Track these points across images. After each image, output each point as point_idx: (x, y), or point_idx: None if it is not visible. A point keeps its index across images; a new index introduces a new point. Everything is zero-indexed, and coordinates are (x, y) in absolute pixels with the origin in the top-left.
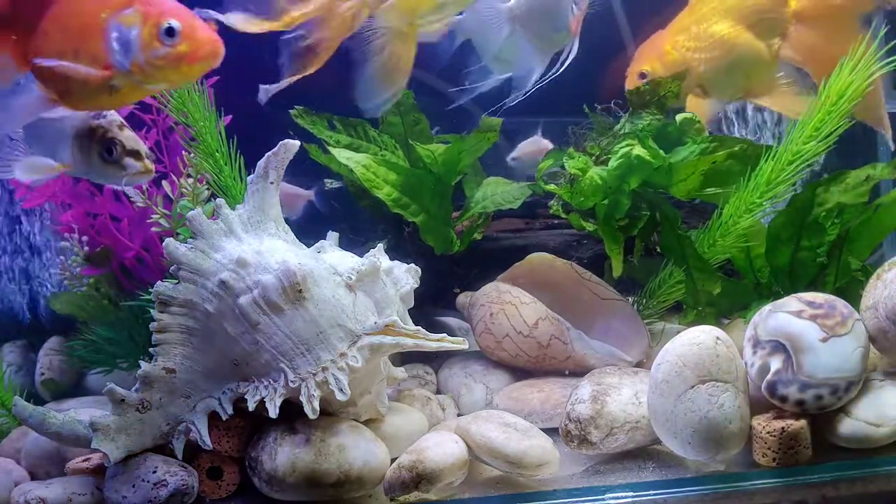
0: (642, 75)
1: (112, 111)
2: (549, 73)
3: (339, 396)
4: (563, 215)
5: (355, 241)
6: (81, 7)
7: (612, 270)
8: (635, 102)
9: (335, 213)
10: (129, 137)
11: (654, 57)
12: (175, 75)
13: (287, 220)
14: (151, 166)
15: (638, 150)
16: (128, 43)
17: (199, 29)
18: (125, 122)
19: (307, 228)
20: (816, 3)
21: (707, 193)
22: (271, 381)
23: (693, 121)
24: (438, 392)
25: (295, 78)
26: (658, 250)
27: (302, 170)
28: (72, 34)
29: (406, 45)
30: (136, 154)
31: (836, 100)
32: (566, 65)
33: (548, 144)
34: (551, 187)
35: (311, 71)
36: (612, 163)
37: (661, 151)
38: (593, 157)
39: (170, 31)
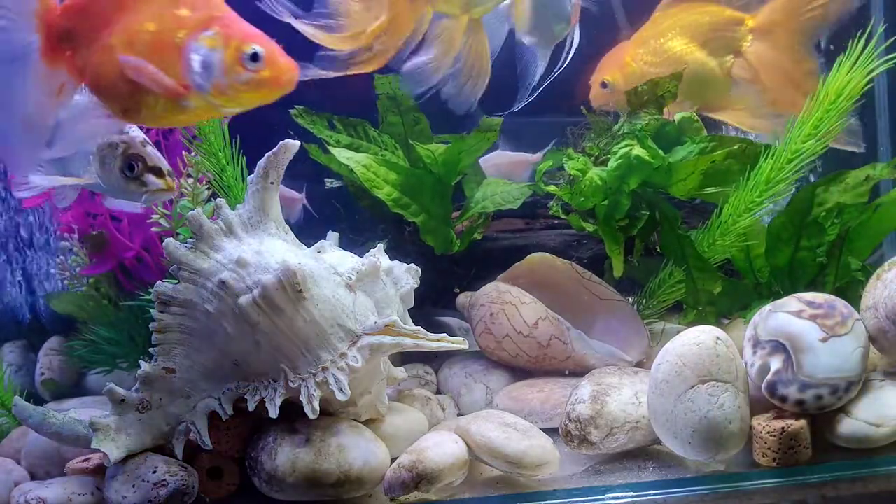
0: (604, 84)
1: (135, 127)
2: (556, 67)
3: (339, 396)
4: (563, 216)
5: (355, 241)
6: (152, 24)
7: (613, 270)
8: (634, 102)
9: (335, 213)
10: (152, 154)
11: (615, 67)
12: (253, 99)
13: (286, 222)
14: (173, 184)
15: (637, 151)
16: (210, 65)
17: (279, 55)
18: (148, 139)
19: (307, 228)
20: (772, 23)
21: (706, 193)
22: (271, 381)
23: (692, 120)
24: (438, 392)
25: (341, 74)
26: (658, 250)
27: (290, 173)
28: (141, 50)
29: (476, 35)
30: (157, 171)
31: (835, 98)
32: (570, 56)
33: (515, 156)
34: (551, 188)
35: (368, 70)
36: (612, 163)
37: (661, 151)
38: (592, 158)
39: (254, 57)
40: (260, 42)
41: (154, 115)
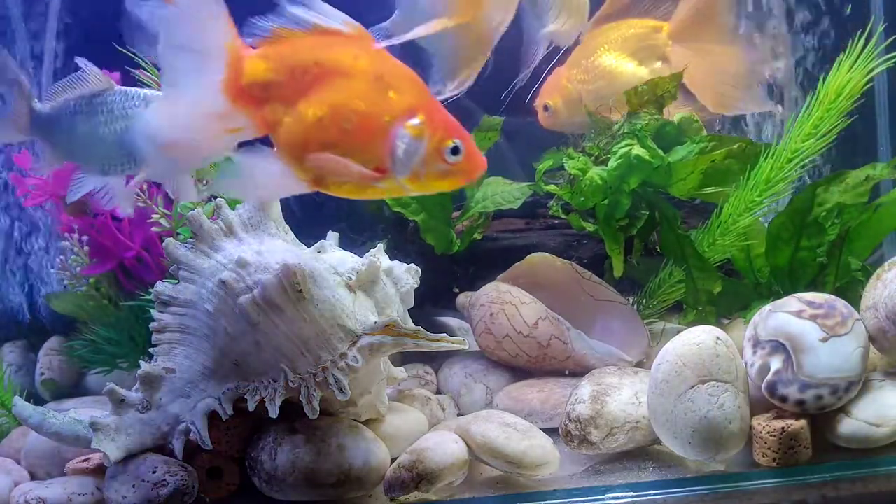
0: (545, 108)
1: None
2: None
3: (339, 396)
4: (563, 216)
5: (355, 241)
6: (361, 102)
7: (613, 270)
8: (633, 102)
9: (335, 213)
10: None
11: (554, 91)
12: (441, 187)
13: (287, 221)
14: None
15: (637, 150)
16: (413, 153)
17: (474, 147)
18: None
19: (307, 228)
20: (683, 24)
21: (705, 193)
22: (271, 381)
23: (691, 120)
24: (438, 392)
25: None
26: (658, 250)
27: None
28: (345, 125)
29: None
30: None
31: (835, 97)
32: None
33: None
34: (551, 188)
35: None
36: (612, 163)
37: (660, 151)
38: (592, 158)
39: (455, 150)
40: (460, 135)
41: (341, 189)
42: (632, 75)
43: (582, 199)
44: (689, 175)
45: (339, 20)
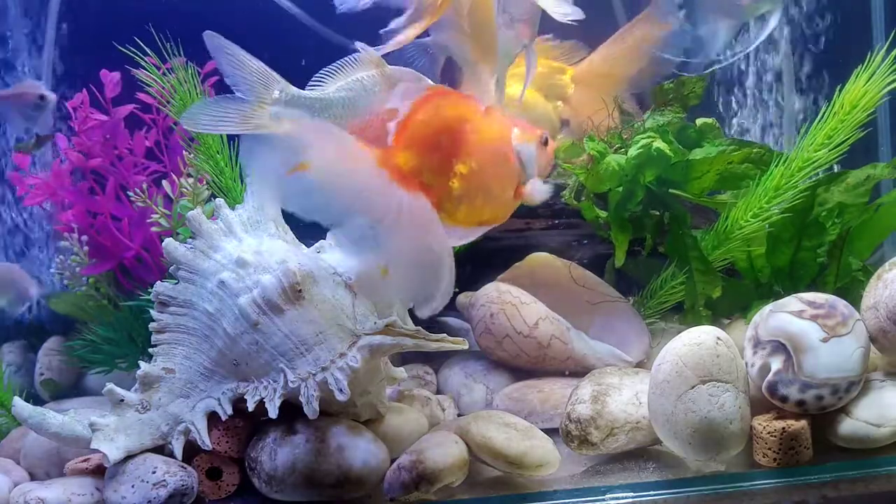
0: None
1: None
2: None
3: (339, 397)
4: (575, 203)
5: None
6: (490, 141)
7: (615, 260)
8: (659, 99)
9: None
10: None
11: None
12: (544, 172)
13: (287, 220)
14: None
15: (659, 143)
16: (531, 157)
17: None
18: None
19: (307, 228)
20: (587, 74)
21: (715, 200)
22: (271, 382)
23: (713, 126)
24: (438, 392)
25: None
26: (660, 250)
27: None
28: (491, 165)
29: None
30: None
31: (850, 109)
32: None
33: None
34: (568, 166)
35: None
36: (632, 151)
37: (681, 148)
38: (612, 148)
39: (545, 142)
40: (540, 128)
41: (505, 218)
42: (534, 107)
43: (597, 181)
44: (704, 174)
45: (419, 90)
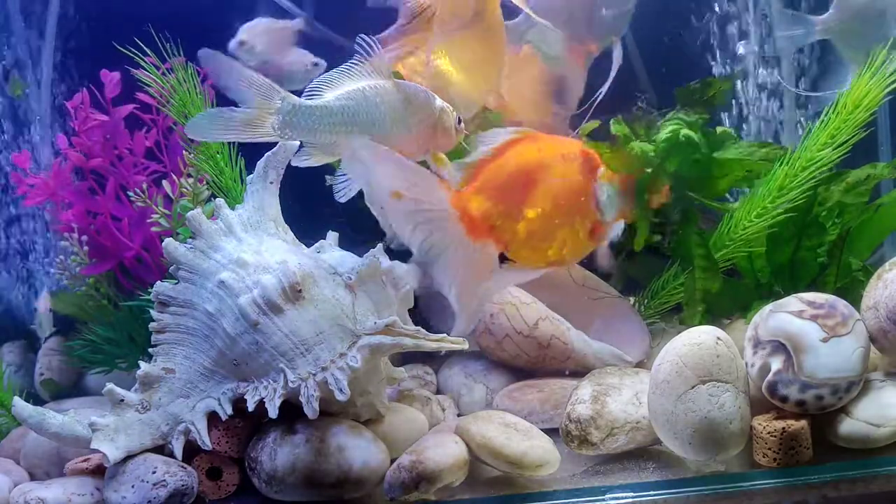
0: None
1: None
2: None
3: (339, 396)
4: None
5: (355, 241)
6: (564, 185)
7: (635, 245)
8: (683, 100)
9: (335, 212)
10: None
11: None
12: (641, 206)
13: (287, 220)
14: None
15: (686, 131)
16: (612, 197)
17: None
18: None
19: (307, 228)
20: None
21: (724, 207)
22: (271, 382)
23: (731, 135)
24: (438, 392)
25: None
26: (661, 251)
27: (292, 171)
28: (563, 209)
29: None
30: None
31: (853, 109)
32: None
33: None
34: (592, 145)
35: None
36: (661, 135)
37: (710, 138)
38: (637, 138)
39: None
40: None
41: (574, 259)
42: (459, 89)
43: (622, 163)
44: (725, 175)
45: (506, 134)
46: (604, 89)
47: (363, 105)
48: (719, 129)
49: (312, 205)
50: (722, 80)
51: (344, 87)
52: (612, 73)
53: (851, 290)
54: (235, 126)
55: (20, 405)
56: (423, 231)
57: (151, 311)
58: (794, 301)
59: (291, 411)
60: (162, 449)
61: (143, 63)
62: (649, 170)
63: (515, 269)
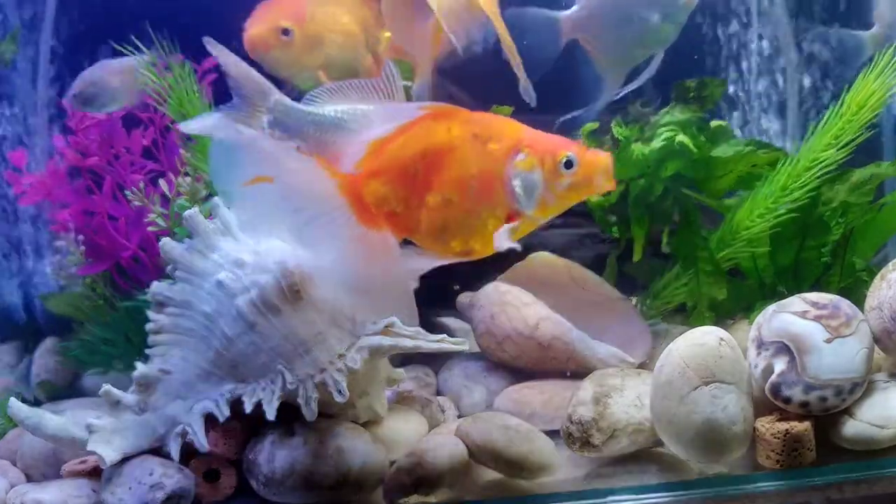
0: (284, 31)
1: None
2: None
3: (338, 398)
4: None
5: None
6: (471, 170)
7: (633, 254)
8: (678, 96)
9: None
10: None
11: (293, 18)
12: (573, 201)
13: None
14: None
15: (682, 137)
16: (532, 186)
17: (587, 151)
18: None
19: None
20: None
21: (725, 205)
22: (269, 383)
23: (726, 128)
24: (438, 393)
25: None
26: (664, 250)
27: None
28: (471, 197)
29: None
30: None
31: (857, 110)
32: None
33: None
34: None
35: None
36: (656, 143)
37: (705, 141)
38: (633, 140)
39: (568, 163)
40: (567, 147)
41: (487, 249)
42: (361, 47)
43: (622, 167)
44: (725, 175)
45: (414, 110)
46: (625, 90)
47: (358, 123)
48: (714, 124)
49: None
50: (717, 81)
51: (349, 101)
52: (642, 80)
53: (855, 291)
54: (227, 122)
55: (16, 406)
56: (303, 217)
57: (148, 311)
58: (797, 301)
59: (290, 413)
60: (159, 451)
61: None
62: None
63: (420, 254)
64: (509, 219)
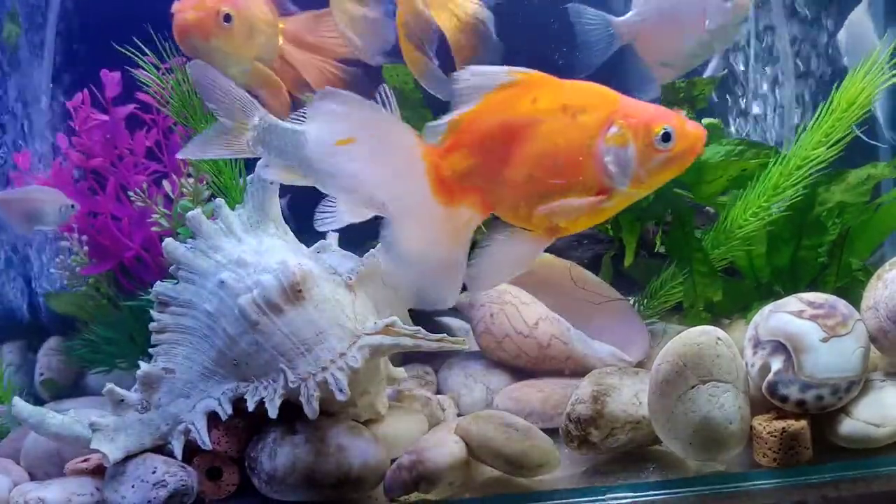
0: (226, 17)
1: None
2: None
3: (339, 397)
4: None
5: (355, 242)
6: (558, 144)
7: (624, 260)
8: (668, 99)
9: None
10: None
11: (232, 2)
12: (668, 176)
13: (286, 220)
14: None
15: None
16: (625, 161)
17: (685, 123)
18: None
19: (308, 229)
20: (296, 31)
21: (717, 202)
22: (271, 382)
23: (717, 126)
24: (438, 392)
25: None
26: (660, 251)
27: None
28: (556, 172)
29: None
30: None
31: (847, 107)
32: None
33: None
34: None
35: None
36: None
37: None
38: None
39: (666, 137)
40: (666, 119)
41: (577, 225)
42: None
43: None
44: (716, 179)
45: (500, 76)
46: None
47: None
48: (705, 122)
49: (313, 205)
50: (706, 81)
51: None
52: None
53: (852, 290)
54: (215, 140)
55: (20, 405)
56: (384, 184)
57: (151, 311)
58: (794, 301)
59: (291, 411)
60: (162, 449)
61: (142, 62)
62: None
63: (529, 240)
64: (601, 193)
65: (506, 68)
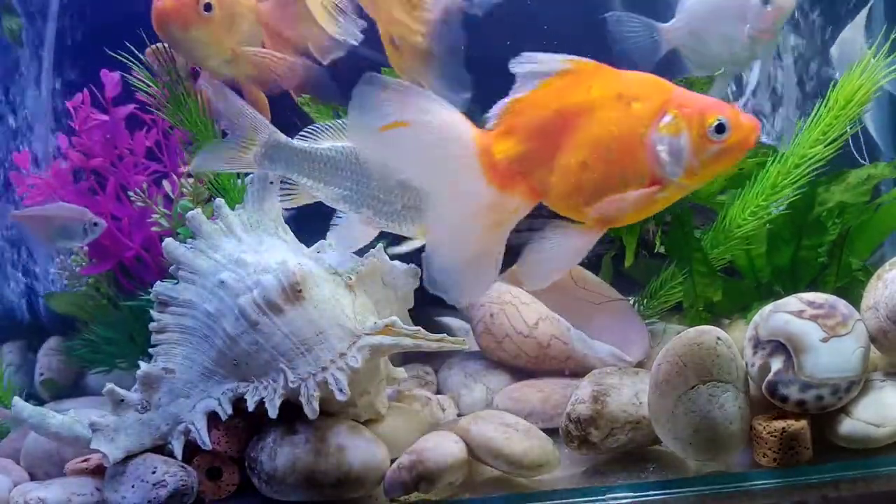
0: (207, 6)
1: None
2: None
3: (339, 396)
4: None
5: None
6: (611, 132)
7: (625, 261)
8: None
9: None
10: None
11: None
12: (722, 168)
13: (287, 220)
14: None
15: None
16: (679, 151)
17: (739, 115)
18: None
19: (308, 228)
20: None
21: (715, 201)
22: (271, 382)
23: None
24: (438, 392)
25: None
26: (659, 250)
27: None
28: (609, 160)
29: None
30: None
31: (844, 104)
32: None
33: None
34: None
35: None
36: None
37: None
38: None
39: (720, 128)
40: (720, 110)
41: (628, 217)
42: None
43: None
44: (713, 180)
45: (556, 63)
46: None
47: (350, 164)
48: None
49: (313, 205)
50: (704, 80)
51: (343, 139)
52: (752, 87)
53: (852, 290)
54: (221, 154)
55: (20, 405)
56: (434, 169)
57: (151, 311)
58: (794, 301)
59: (291, 411)
60: (162, 449)
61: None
62: None
63: (579, 233)
64: (654, 183)
65: (561, 56)
